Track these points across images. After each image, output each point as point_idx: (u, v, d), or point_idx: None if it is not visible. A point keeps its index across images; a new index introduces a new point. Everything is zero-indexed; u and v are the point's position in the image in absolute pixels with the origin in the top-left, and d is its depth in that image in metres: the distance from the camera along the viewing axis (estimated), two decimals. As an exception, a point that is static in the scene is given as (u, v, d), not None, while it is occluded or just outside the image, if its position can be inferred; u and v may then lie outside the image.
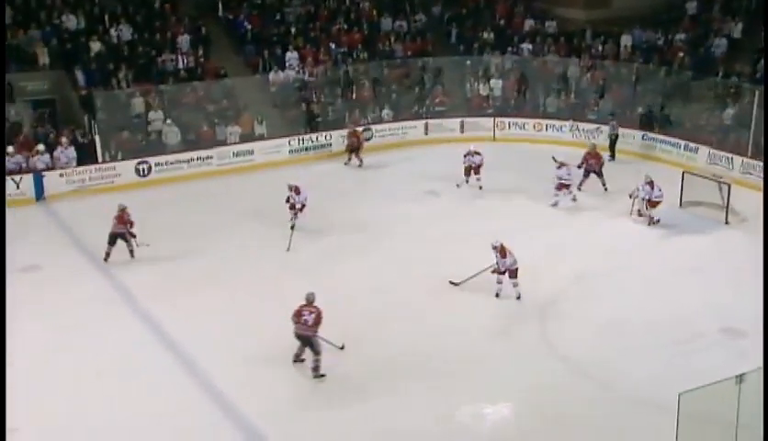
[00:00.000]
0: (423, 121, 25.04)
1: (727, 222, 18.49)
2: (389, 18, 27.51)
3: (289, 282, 14.98)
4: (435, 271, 15.70)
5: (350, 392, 12.22)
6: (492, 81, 26.06)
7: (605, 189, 20.22)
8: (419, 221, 18.40)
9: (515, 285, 14.83)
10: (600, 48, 26.36)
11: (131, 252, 16.57)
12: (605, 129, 23.81)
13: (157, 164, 21.67)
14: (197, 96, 23.71)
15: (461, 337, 13.69)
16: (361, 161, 22.79)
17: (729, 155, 21.39)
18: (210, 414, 11.62)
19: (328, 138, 23.77)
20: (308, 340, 12.37)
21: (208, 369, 12.63)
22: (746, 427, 8.83)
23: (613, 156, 22.91)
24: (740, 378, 8.67)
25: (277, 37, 25.99)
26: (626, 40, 26.28)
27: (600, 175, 20.35)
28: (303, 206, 17.64)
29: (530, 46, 26.81)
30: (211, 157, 22.38)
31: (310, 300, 12.41)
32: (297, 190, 17.77)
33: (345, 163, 22.94)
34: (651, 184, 18.53)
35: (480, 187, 20.38)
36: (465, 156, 20.64)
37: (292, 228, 17.37)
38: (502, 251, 14.68)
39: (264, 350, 13.09)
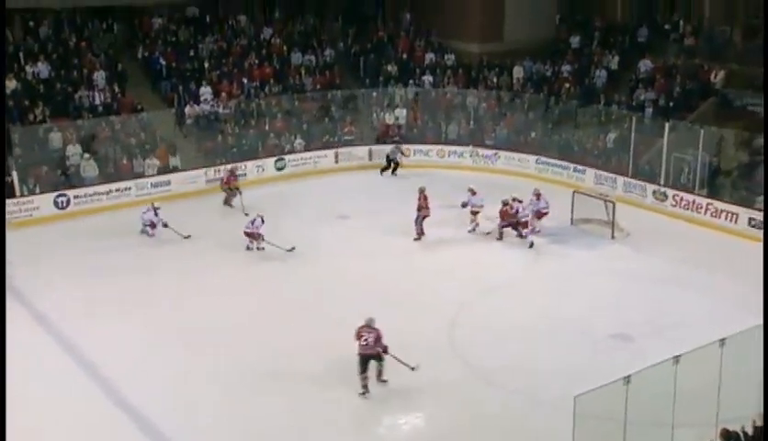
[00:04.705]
0: (334, 150, 25.24)
1: (613, 237, 19.30)
2: (299, 53, 27.68)
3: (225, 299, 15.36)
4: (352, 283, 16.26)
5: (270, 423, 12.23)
6: (397, 110, 26.52)
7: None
8: (335, 243, 18.70)
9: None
10: (495, 79, 27.17)
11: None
12: (503, 154, 24.62)
13: (76, 197, 21.20)
14: (115, 130, 23.28)
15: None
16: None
17: (613, 176, 22.38)
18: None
19: (243, 168, 23.70)
20: (369, 357, 12.48)
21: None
22: (633, 424, 9.31)
23: (390, 172, 24.09)
24: (627, 379, 9.12)
25: (191, 72, 25.82)
26: (517, 72, 27.17)
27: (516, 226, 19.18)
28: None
29: (431, 78, 27.42)
30: (130, 188, 22.05)
31: (369, 323, 12.53)
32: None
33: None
34: (538, 196, 19.25)
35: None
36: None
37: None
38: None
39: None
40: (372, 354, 12.47)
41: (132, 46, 26.40)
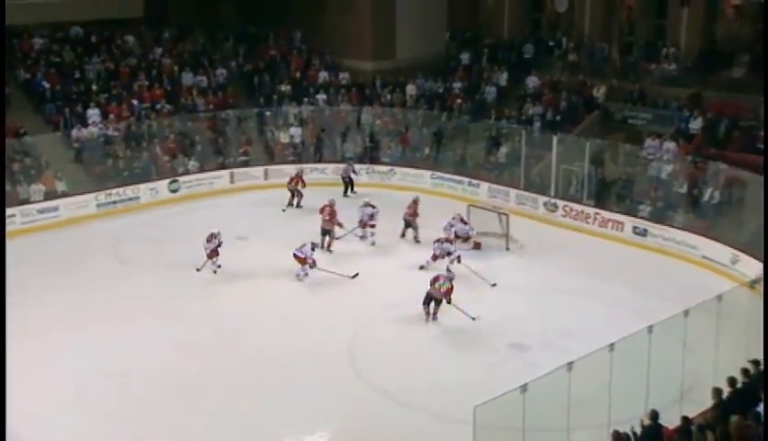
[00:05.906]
0: (229, 171, 24.95)
1: (507, 249, 19.86)
2: (190, 73, 27.29)
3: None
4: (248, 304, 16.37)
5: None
6: (292, 129, 26.49)
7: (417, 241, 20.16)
8: (234, 264, 18.48)
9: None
10: (388, 96, 27.55)
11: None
12: (398, 170, 24.99)
13: (-46, 227, 20.21)
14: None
15: (275, 367, 13.95)
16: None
17: (506, 189, 23.06)
18: None
19: (135, 191, 23.13)
20: (434, 298, 15.44)
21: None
22: (531, 431, 9.61)
23: (346, 194, 23.86)
24: (524, 387, 9.42)
25: (77, 94, 25.06)
26: (410, 89, 27.64)
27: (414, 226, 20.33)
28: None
29: (325, 96, 27.55)
30: (14, 215, 21.13)
31: (450, 278, 15.59)
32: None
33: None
34: (463, 221, 19.65)
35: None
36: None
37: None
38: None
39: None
40: (438, 297, 15.36)
41: (12, 67, 25.37)
